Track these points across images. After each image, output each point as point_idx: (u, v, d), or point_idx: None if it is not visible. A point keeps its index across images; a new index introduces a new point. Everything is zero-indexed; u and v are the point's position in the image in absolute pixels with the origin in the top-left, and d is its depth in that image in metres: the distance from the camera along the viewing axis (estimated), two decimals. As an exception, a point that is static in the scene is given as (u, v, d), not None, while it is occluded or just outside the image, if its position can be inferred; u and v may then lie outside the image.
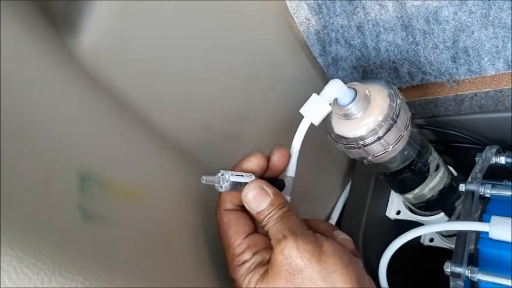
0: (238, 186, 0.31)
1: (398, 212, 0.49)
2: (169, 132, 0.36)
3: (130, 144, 0.32)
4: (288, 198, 0.33)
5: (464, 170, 0.44)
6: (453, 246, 0.48)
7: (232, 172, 0.31)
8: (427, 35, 0.42)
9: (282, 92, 0.48)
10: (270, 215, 0.30)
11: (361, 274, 0.30)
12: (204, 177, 0.30)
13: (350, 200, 0.52)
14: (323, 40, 0.49)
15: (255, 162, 0.32)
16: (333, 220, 0.53)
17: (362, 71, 0.49)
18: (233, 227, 0.31)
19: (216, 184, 0.30)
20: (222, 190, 0.30)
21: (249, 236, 0.31)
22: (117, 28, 0.31)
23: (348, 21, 0.46)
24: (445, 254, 0.51)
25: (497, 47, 0.39)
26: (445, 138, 0.47)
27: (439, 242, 0.50)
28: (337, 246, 0.29)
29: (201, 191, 0.36)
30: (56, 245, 0.23)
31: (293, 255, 0.28)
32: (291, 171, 0.33)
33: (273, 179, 0.33)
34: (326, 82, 0.52)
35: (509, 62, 0.40)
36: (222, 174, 0.30)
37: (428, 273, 0.53)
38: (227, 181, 0.30)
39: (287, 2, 0.46)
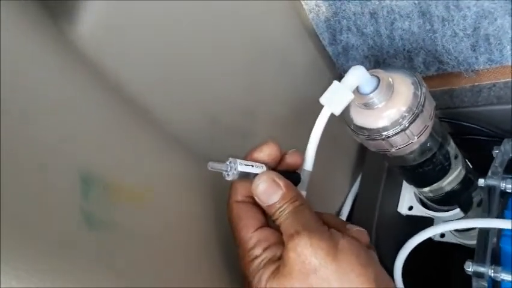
0: (248, 176, 0.28)
1: (410, 208, 0.48)
2: (174, 128, 0.33)
3: (133, 142, 0.30)
4: (304, 193, 0.31)
5: (478, 164, 0.43)
6: (465, 241, 0.47)
7: (242, 161, 0.28)
8: (446, 22, 0.40)
9: (290, 83, 0.46)
10: (281, 209, 0.28)
11: (379, 272, 0.28)
12: (210, 163, 0.28)
13: (361, 195, 0.50)
14: (334, 28, 0.47)
15: (266, 152, 0.30)
16: (344, 215, 0.51)
17: (374, 61, 0.47)
18: (243, 219, 0.29)
19: (224, 172, 0.28)
20: (229, 179, 0.28)
21: (259, 230, 0.29)
22: (117, 14, 0.28)
23: (361, 7, 0.44)
24: (455, 249, 0.50)
25: (521, 34, 0.37)
26: (460, 130, 0.45)
27: (451, 238, 0.49)
28: (354, 244, 0.27)
29: (211, 189, 0.34)
30: (58, 256, 0.21)
31: (306, 253, 0.26)
32: (308, 164, 0.31)
33: (288, 172, 0.30)
34: (334, 73, 0.52)
35: (531, 51, 0.38)
36: (231, 162, 0.28)
37: (439, 269, 0.52)
38: (235, 169, 0.28)
39: (296, -13, 0.44)
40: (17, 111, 0.22)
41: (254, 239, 0.28)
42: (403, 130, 0.33)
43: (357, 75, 0.31)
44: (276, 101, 0.44)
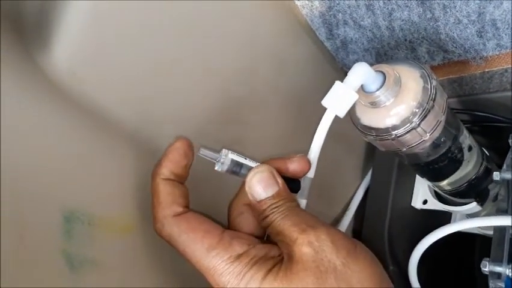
0: (238, 171, 0.27)
1: (425, 202, 0.46)
2: (162, 149, 0.31)
3: (117, 171, 0.28)
4: (304, 202, 0.29)
5: (497, 151, 0.41)
6: (486, 232, 0.45)
7: (235, 153, 0.27)
8: (448, 9, 0.38)
9: (287, 83, 0.44)
10: (276, 205, 0.25)
11: (385, 273, 0.26)
12: (201, 149, 0.26)
13: (372, 190, 0.48)
14: (329, 23, 0.44)
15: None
16: (352, 211, 0.49)
17: (375, 53, 0.44)
18: (204, 223, 0.25)
19: (215, 161, 0.26)
20: (218, 169, 0.26)
21: (227, 231, 0.26)
22: (93, 39, 0.26)
23: (355, 0, 0.42)
24: (465, 238, 0.48)
25: (530, 16, 0.35)
26: (474, 118, 0.43)
27: (472, 229, 0.46)
28: (365, 246, 0.26)
29: (204, 207, 0.32)
30: None
31: (326, 249, 0.23)
32: (310, 171, 0.29)
33: (287, 179, 0.28)
34: (335, 67, 0.49)
35: (542, 32, 0.36)
36: (222, 153, 0.26)
37: (462, 260, 0.50)
38: (225, 155, 0.26)
39: (287, -17, 0.41)
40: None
41: (227, 236, 0.25)
42: (414, 128, 0.31)
43: (361, 74, 0.29)
44: (274, 103, 0.42)
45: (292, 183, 0.28)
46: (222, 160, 0.27)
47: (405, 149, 0.32)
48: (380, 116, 0.31)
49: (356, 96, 0.29)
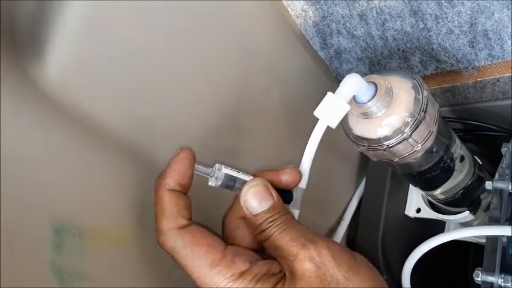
0: (232, 185, 0.27)
1: (418, 210, 0.46)
2: (156, 160, 0.30)
3: (109, 182, 0.28)
4: (297, 212, 0.29)
5: (490, 159, 0.41)
6: (479, 240, 0.45)
7: (228, 167, 0.27)
8: (440, 20, 0.38)
9: (282, 92, 0.44)
10: (272, 219, 0.25)
11: (385, 283, 0.26)
12: (196, 164, 0.26)
13: (366, 199, 0.48)
14: (323, 32, 0.45)
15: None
16: (346, 221, 0.49)
17: (369, 63, 0.45)
18: (207, 237, 0.25)
19: (208, 176, 0.26)
20: (212, 184, 0.26)
21: (230, 247, 0.26)
22: (86, 51, 0.26)
23: (349, 10, 0.42)
24: (458, 247, 0.48)
25: (521, 27, 0.36)
26: (467, 127, 0.44)
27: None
28: (363, 257, 0.26)
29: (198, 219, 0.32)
30: None
31: (328, 264, 0.23)
32: (302, 182, 0.29)
33: (280, 190, 0.28)
34: (330, 77, 0.50)
35: (533, 42, 0.37)
36: (216, 167, 0.26)
37: (447, 269, 0.50)
38: (218, 170, 0.26)
39: (280, -7, 0.42)
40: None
41: (230, 253, 0.25)
42: (405, 139, 0.31)
43: (352, 85, 0.29)
44: (268, 112, 0.43)
45: (285, 195, 0.28)
46: (216, 175, 0.26)
47: (397, 159, 0.32)
48: (372, 127, 0.32)
49: (347, 107, 0.29)
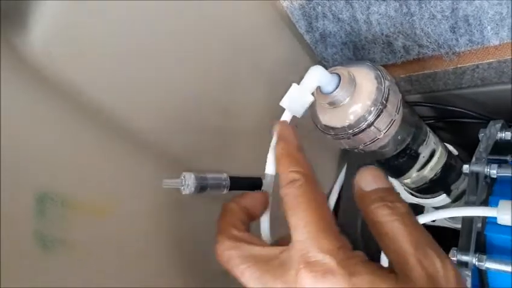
0: (206, 184, 0.27)
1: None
2: (140, 134, 0.32)
3: (93, 152, 0.29)
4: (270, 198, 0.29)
5: (467, 147, 0.41)
6: (456, 225, 0.46)
7: (197, 172, 0.27)
8: (423, 4, 0.38)
9: (267, 76, 0.44)
10: (385, 200, 0.24)
11: None
12: (164, 180, 0.26)
13: (347, 186, 0.49)
14: (309, 15, 0.45)
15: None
16: (330, 207, 0.50)
17: (353, 47, 0.45)
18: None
19: (180, 186, 0.26)
20: (187, 193, 0.26)
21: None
22: (72, 21, 0.26)
23: (335, -8, 0.42)
24: (444, 232, 0.48)
25: (502, 14, 0.35)
26: (445, 114, 0.43)
27: (442, 222, 0.47)
28: None
29: (180, 197, 0.33)
30: (11, 280, 0.21)
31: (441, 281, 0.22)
32: (270, 168, 0.29)
33: (248, 178, 0.29)
34: (315, 61, 0.50)
35: (515, 28, 0.36)
36: (185, 176, 0.26)
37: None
38: (188, 177, 0.26)
39: (266, -24, 0.42)
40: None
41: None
42: (368, 127, 0.32)
43: (316, 76, 0.30)
44: (253, 97, 0.43)
45: (254, 181, 0.29)
46: (186, 183, 0.26)
47: (361, 147, 0.33)
48: (337, 115, 0.32)
49: (311, 98, 0.30)
